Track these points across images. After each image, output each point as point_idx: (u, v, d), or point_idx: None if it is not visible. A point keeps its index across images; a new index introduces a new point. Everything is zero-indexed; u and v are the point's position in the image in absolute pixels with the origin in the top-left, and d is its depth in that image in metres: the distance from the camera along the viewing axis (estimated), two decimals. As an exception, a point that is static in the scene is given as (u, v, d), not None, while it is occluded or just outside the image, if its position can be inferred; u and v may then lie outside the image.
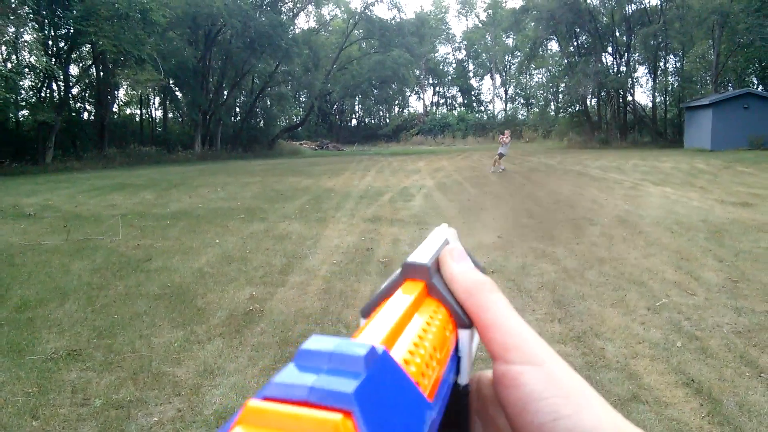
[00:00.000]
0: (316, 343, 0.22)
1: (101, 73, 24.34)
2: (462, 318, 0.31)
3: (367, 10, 35.03)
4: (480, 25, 55.38)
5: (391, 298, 0.31)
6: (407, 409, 0.22)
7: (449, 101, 57.61)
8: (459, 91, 57.04)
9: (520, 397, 0.27)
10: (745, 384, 3.10)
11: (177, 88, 28.87)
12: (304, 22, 46.82)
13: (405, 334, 0.28)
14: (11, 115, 20.42)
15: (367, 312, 0.31)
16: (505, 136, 15.91)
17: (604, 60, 32.96)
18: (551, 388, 0.27)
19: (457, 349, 0.32)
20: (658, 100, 33.45)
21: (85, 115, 26.83)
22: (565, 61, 34.64)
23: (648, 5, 31.20)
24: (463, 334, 0.32)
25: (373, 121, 53.44)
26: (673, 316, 4.10)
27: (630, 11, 31.64)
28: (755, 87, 29.12)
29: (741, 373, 3.23)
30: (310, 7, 38.55)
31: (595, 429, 0.25)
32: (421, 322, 0.29)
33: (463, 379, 0.32)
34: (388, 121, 51.10)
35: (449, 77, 56.73)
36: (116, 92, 27.27)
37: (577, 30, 32.71)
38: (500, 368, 0.28)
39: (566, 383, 0.27)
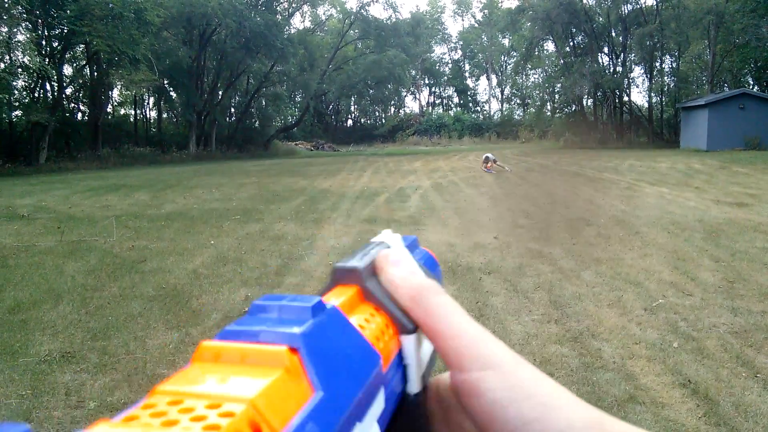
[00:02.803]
0: (268, 299, 0.24)
1: (95, 73, 24.23)
2: (404, 324, 0.29)
3: (362, 10, 34.97)
4: (476, 25, 55.47)
5: None
6: (354, 353, 0.23)
7: (445, 101, 57.64)
8: (455, 91, 57.06)
9: (483, 405, 0.26)
10: (741, 384, 3.10)
11: (171, 89, 28.76)
12: (299, 22, 46.86)
13: None
14: (4, 115, 20.34)
15: None
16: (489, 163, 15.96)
17: (600, 60, 33.07)
18: (513, 392, 0.25)
19: (401, 357, 0.30)
20: (654, 100, 33.59)
21: (79, 116, 26.73)
22: (561, 61, 34.71)
23: (644, 5, 31.30)
24: (408, 339, 0.30)
25: (369, 121, 53.41)
26: (669, 316, 4.10)
27: (626, 11, 31.74)
28: (751, 87, 29.25)
29: (737, 374, 3.22)
30: (306, 7, 38.53)
31: (564, 429, 0.24)
32: (355, 323, 0.27)
33: (412, 388, 0.30)
34: (384, 121, 51.09)
35: (445, 77, 56.73)
36: (110, 92, 27.18)
37: (573, 30, 32.79)
38: (458, 377, 0.27)
39: (528, 385, 0.25)
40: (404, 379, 0.30)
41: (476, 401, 0.26)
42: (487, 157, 16.09)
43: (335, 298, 0.29)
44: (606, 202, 9.38)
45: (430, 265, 0.39)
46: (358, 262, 0.31)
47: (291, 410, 0.18)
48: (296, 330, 0.20)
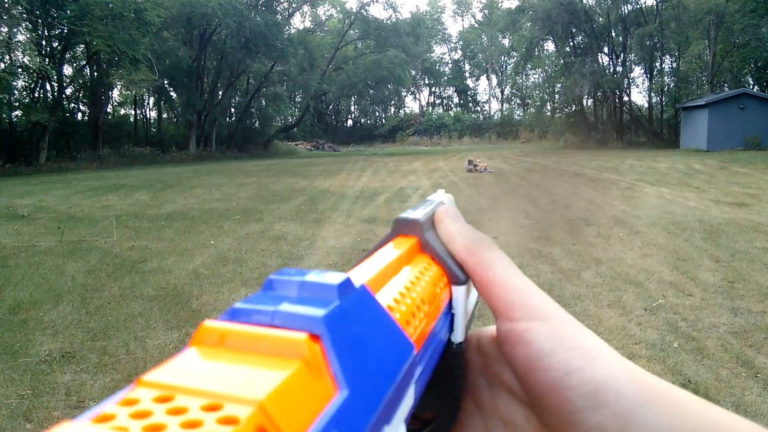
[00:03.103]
0: (287, 272, 0.21)
1: (95, 74, 24.24)
2: (457, 274, 0.31)
3: (362, 10, 35.01)
4: (476, 25, 55.53)
5: (380, 250, 0.30)
6: (385, 344, 0.21)
7: (445, 101, 57.72)
8: (455, 91, 57.13)
9: (528, 354, 0.26)
10: (741, 384, 3.10)
11: (171, 89, 28.76)
12: (299, 22, 46.91)
13: (391, 283, 0.27)
14: (4, 115, 20.35)
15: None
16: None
17: (600, 60, 33.08)
18: (559, 343, 0.26)
19: (450, 306, 0.31)
20: (654, 100, 33.57)
21: (79, 116, 26.73)
22: (562, 61, 34.71)
23: (644, 5, 31.31)
24: (458, 290, 0.31)
25: (369, 121, 53.44)
26: (669, 316, 4.10)
27: (626, 11, 31.75)
28: (751, 87, 29.25)
29: (737, 374, 3.22)
30: (306, 7, 38.55)
31: (608, 380, 0.24)
32: (410, 274, 0.28)
33: (457, 337, 0.31)
34: (384, 121, 51.15)
35: (445, 77, 56.80)
36: (110, 92, 27.18)
37: (573, 30, 32.80)
38: (505, 326, 0.28)
39: (574, 337, 0.26)
40: (451, 327, 0.31)
41: (522, 350, 0.26)
42: (470, 161, 16.22)
43: (396, 248, 0.30)
44: (606, 202, 9.38)
45: None
46: (418, 214, 0.32)
47: (309, 414, 0.15)
48: (319, 313, 0.17)
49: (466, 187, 12.29)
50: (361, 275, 0.25)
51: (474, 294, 0.34)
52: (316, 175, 15.69)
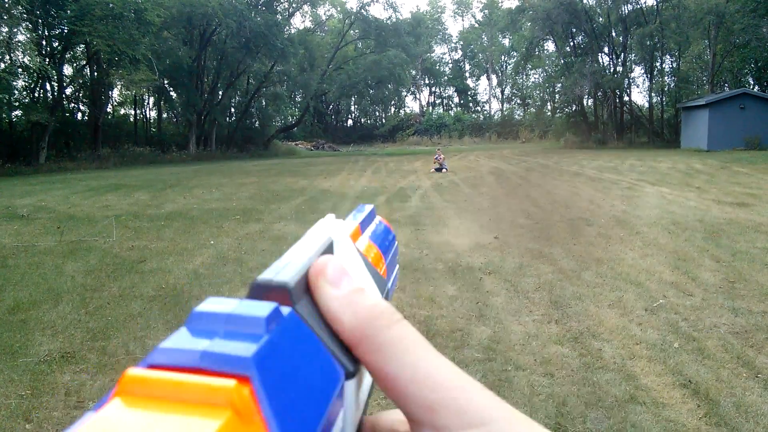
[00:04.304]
0: (212, 304, 0.20)
1: (95, 73, 24.22)
2: (343, 364, 0.22)
3: (362, 10, 34.99)
4: (476, 25, 55.52)
5: None
6: (315, 373, 0.19)
7: (445, 101, 57.67)
8: (455, 91, 57.08)
9: None
10: (742, 385, 3.09)
11: (171, 89, 28.76)
12: (299, 21, 46.93)
13: None
14: (4, 115, 20.32)
15: None
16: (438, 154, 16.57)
17: (600, 60, 33.07)
18: None
19: None
20: (654, 100, 33.54)
21: (79, 116, 26.72)
22: (562, 61, 34.74)
23: (644, 5, 31.31)
24: (348, 385, 0.22)
25: (369, 121, 53.43)
26: (670, 316, 4.09)
27: (626, 11, 31.74)
28: (751, 87, 29.25)
29: (738, 374, 3.21)
30: (306, 7, 38.53)
31: None
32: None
33: None
34: (384, 121, 51.11)
35: (445, 77, 56.76)
36: (110, 92, 27.16)
37: (574, 30, 32.80)
38: None
39: None
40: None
41: None
42: (437, 158, 16.28)
43: None
44: (606, 202, 9.38)
45: (385, 241, 0.35)
46: (287, 274, 0.22)
47: None
48: (248, 351, 0.16)
49: (467, 187, 12.29)
50: None
51: (368, 379, 0.26)
52: (316, 175, 15.69)
